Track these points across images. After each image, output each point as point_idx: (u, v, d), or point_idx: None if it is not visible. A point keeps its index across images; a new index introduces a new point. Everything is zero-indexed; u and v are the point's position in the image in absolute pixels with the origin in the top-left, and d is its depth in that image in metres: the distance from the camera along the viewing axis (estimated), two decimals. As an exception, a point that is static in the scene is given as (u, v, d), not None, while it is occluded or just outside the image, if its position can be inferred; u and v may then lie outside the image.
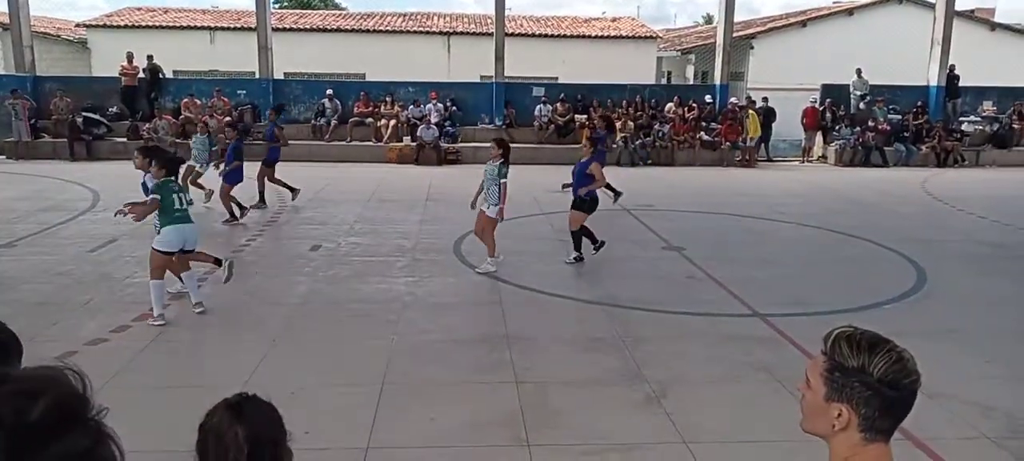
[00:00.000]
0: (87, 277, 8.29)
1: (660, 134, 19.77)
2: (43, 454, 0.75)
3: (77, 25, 28.93)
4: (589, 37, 28.41)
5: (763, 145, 20.63)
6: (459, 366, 5.95)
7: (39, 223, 10.62)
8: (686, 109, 20.48)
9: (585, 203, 9.07)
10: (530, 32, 28.28)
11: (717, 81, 21.52)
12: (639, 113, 20.39)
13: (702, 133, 20.01)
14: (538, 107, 20.26)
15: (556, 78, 24.22)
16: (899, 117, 21.19)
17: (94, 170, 15.80)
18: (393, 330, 6.76)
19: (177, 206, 6.91)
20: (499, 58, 20.53)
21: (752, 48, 26.01)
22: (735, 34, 22.65)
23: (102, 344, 6.27)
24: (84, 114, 18.63)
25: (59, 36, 27.34)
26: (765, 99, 20.67)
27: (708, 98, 21.01)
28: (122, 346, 6.24)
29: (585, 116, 20.29)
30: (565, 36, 28.44)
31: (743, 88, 23.54)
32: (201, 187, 12.31)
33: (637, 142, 19.43)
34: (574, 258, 9.06)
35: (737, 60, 24.08)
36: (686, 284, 8.54)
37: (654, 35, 30.01)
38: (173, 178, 7.13)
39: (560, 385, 5.63)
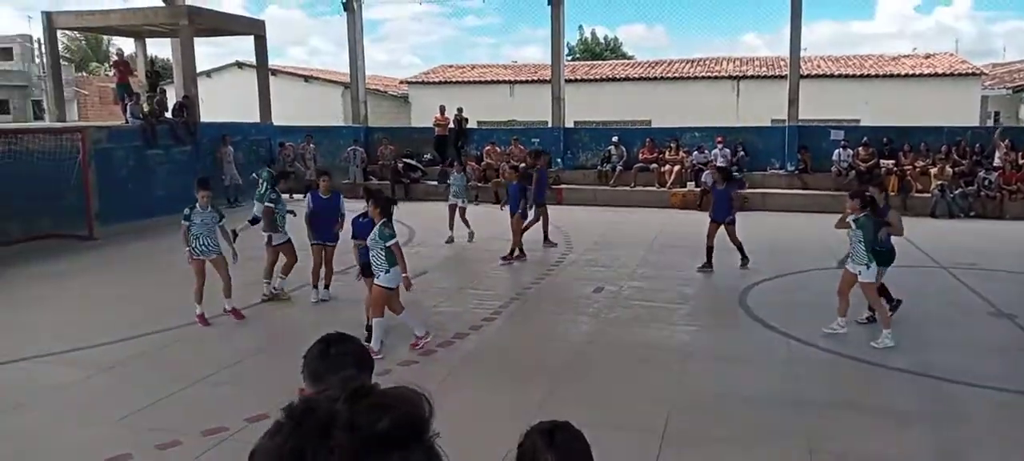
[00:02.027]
0: (401, 305, 9.31)
1: (986, 182, 17.30)
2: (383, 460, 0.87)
3: (400, 82, 33.05)
4: (897, 76, 25.88)
5: None
6: (745, 427, 5.67)
7: (365, 255, 12.19)
8: (1020, 155, 17.69)
9: (880, 256, 8.18)
10: (828, 73, 26.52)
11: (1063, 121, 18.34)
12: (961, 159, 18.08)
13: (1042, 182, 17.11)
14: (837, 151, 18.85)
15: (858, 120, 22.39)
16: None
17: (411, 209, 17.75)
18: (675, 380, 6.66)
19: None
20: (793, 101, 19.53)
21: (1113, 81, 21.80)
22: (1089, 66, 19.17)
23: (412, 366, 7.00)
24: (404, 160, 21.16)
25: (386, 92, 31.41)
26: None
27: (1050, 141, 17.95)
28: (429, 371, 6.90)
29: (892, 162, 18.48)
30: (868, 76, 26.22)
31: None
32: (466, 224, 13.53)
33: (957, 191, 17.19)
34: (877, 312, 8.20)
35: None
36: (1019, 358, 7.31)
37: (977, 71, 26.47)
38: (389, 220, 7.40)
39: (861, 460, 5.11)
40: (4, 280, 10.86)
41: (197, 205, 8.26)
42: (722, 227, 10.92)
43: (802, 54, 20.76)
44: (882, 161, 18.58)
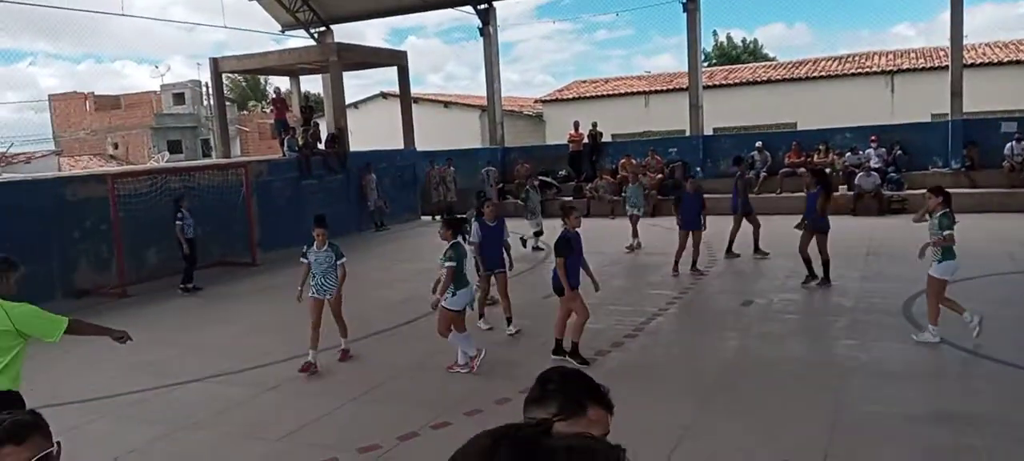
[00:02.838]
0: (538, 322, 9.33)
1: None
2: None
3: (535, 101, 33.45)
4: (1081, 57, 23.36)
5: None
6: (915, 448, 5.25)
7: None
8: None
9: None
10: (995, 60, 24.32)
11: None
12: None
13: None
14: (1009, 145, 17.22)
15: (1033, 110, 20.36)
16: None
17: (547, 225, 17.86)
18: (834, 398, 6.27)
19: (463, 268, 7.19)
20: (956, 93, 18.02)
21: None
22: None
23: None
24: (540, 178, 21.32)
25: (521, 112, 31.89)
26: None
27: None
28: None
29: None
30: (1044, 60, 23.80)
31: None
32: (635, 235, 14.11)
33: None
34: None
35: None
36: None
37: None
38: (459, 241, 7.28)
39: (1056, 487, 4.59)
40: (184, 305, 11.90)
41: (314, 244, 7.86)
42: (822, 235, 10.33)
43: (964, 42, 19.14)
44: (1065, 153, 16.80)
